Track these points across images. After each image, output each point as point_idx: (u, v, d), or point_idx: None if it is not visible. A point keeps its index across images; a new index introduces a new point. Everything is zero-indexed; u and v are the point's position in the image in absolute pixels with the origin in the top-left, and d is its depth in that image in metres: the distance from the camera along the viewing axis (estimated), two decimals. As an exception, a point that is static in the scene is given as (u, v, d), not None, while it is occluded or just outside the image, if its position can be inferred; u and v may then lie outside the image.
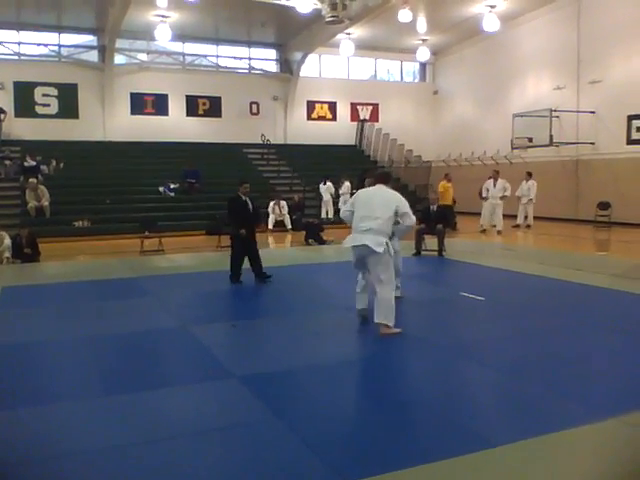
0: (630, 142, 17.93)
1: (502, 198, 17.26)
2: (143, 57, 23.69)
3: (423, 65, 27.55)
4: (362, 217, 6.15)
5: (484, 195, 17.53)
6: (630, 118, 17.84)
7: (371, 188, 6.50)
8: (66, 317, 7.31)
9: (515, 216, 18.25)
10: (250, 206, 9.45)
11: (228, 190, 18.73)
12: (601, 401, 4.35)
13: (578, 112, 19.25)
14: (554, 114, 18.96)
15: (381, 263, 6.06)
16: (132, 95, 22.85)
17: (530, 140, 19.53)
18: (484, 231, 17.16)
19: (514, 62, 22.25)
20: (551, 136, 18.79)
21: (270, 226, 17.91)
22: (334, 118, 26.39)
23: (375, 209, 6.11)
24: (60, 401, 4.55)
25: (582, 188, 19.47)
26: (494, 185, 17.37)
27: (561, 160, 19.96)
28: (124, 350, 5.96)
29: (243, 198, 9.40)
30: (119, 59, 22.97)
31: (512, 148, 20.46)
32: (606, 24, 18.33)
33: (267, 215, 18.08)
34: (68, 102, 21.86)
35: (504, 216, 17.61)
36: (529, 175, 18.33)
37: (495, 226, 17.35)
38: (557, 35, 20.35)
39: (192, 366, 5.52)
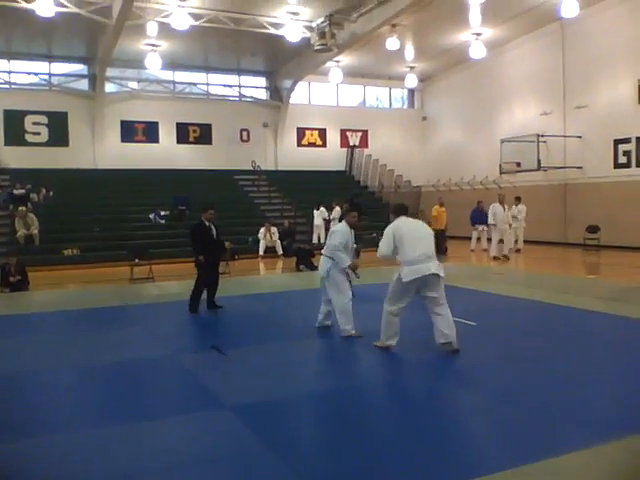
0: (617, 166, 18.17)
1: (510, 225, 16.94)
2: (134, 85, 23.84)
3: (411, 92, 27.90)
4: (414, 248, 6.19)
5: (491, 221, 16.92)
6: (616, 142, 18.09)
7: (401, 220, 6.46)
8: (55, 347, 7.22)
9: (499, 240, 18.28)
10: (214, 233, 9.19)
11: (219, 217, 18.80)
12: (594, 425, 4.32)
13: (565, 137, 19.51)
14: (541, 139, 19.20)
15: (442, 286, 6.31)
16: (122, 123, 22.97)
17: (518, 165, 19.73)
18: (506, 257, 16.32)
19: (501, 88, 22.57)
20: (539, 161, 19.00)
21: (261, 252, 17.91)
22: (324, 144, 26.59)
23: (423, 238, 6.35)
24: (47, 433, 4.47)
25: (571, 212, 19.63)
26: (504, 209, 16.90)
27: (549, 184, 20.15)
28: (113, 380, 5.88)
29: (207, 224, 9.14)
30: (110, 87, 23.09)
31: (500, 173, 20.66)
32: (591, 50, 18.68)
33: (258, 241, 18.12)
34: (58, 130, 21.93)
35: (490, 240, 17.71)
36: (518, 200, 18.42)
37: (486, 250, 17.35)
38: (543, 61, 20.70)
39: (182, 396, 5.45)
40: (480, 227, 18.69)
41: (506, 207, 17.10)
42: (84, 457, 4.06)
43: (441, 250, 15.89)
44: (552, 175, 19.86)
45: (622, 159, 18.03)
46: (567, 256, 17.58)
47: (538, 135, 19.16)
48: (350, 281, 7.23)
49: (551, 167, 19.40)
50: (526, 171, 19.55)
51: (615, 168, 18.21)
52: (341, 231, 7.23)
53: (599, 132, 18.54)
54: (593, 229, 18.31)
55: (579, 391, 5.18)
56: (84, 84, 22.85)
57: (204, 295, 9.23)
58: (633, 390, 5.17)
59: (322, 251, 7.48)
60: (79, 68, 23.07)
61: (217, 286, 9.32)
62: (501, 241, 16.86)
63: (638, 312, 8.23)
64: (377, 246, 6.55)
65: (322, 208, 19.73)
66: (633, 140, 17.60)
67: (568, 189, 19.80)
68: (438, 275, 6.22)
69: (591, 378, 5.54)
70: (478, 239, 18.80)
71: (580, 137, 19.19)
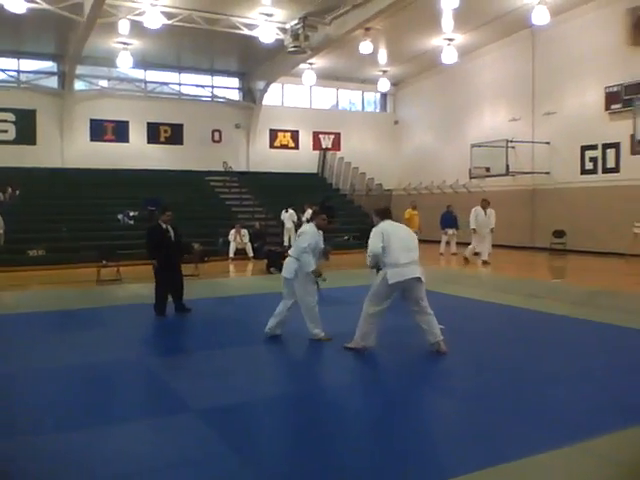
0: (584, 172, 18.52)
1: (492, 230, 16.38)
2: (104, 83, 23.54)
3: (384, 95, 28.05)
4: (400, 251, 6.29)
5: (472, 225, 16.36)
6: (583, 149, 18.45)
7: (386, 223, 6.54)
8: (18, 349, 7.07)
9: (468, 244, 18.43)
10: (171, 234, 9.06)
11: (190, 218, 18.77)
12: (562, 428, 4.38)
13: (533, 143, 19.83)
14: (510, 144, 19.48)
15: (424, 289, 6.47)
16: (92, 121, 22.64)
17: (487, 170, 19.99)
18: (485, 262, 16.02)
19: (471, 94, 22.84)
20: (507, 166, 19.28)
21: (231, 254, 17.83)
22: (297, 146, 26.58)
23: (408, 241, 6.47)
24: (9, 438, 4.37)
25: (538, 216, 19.94)
26: (485, 214, 16.33)
27: (518, 189, 20.44)
28: (78, 383, 5.79)
29: (164, 226, 9.03)
30: (79, 85, 22.76)
31: (470, 177, 20.90)
32: (560, 58, 19.03)
33: (228, 243, 18.03)
34: (26, 128, 21.50)
35: (459, 244, 17.78)
36: (487, 203, 18.48)
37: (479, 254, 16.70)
38: (513, 68, 21.01)
39: (148, 399, 5.39)
40: (450, 231, 18.88)
41: (487, 212, 16.49)
42: (45, 462, 3.99)
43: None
44: (520, 180, 20.16)
45: (589, 165, 18.39)
46: (534, 260, 17.85)
47: (507, 140, 19.44)
48: (317, 283, 7.21)
49: (519, 172, 19.69)
50: (495, 176, 19.82)
51: (582, 174, 18.57)
52: (310, 232, 7.16)
53: (567, 139, 18.89)
54: (559, 234, 18.63)
55: (547, 394, 5.24)
56: (53, 82, 22.48)
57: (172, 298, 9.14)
58: (598, 393, 5.27)
59: (289, 252, 7.37)
60: (48, 65, 22.69)
61: (182, 288, 9.18)
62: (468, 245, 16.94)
63: (603, 316, 8.41)
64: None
65: (291, 210, 19.66)
66: (599, 147, 17.97)
67: (536, 194, 20.12)
68: (420, 279, 6.35)
69: (559, 381, 5.61)
70: (447, 243, 18.98)
71: (548, 143, 19.53)
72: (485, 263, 16.08)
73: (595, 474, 3.76)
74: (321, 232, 7.28)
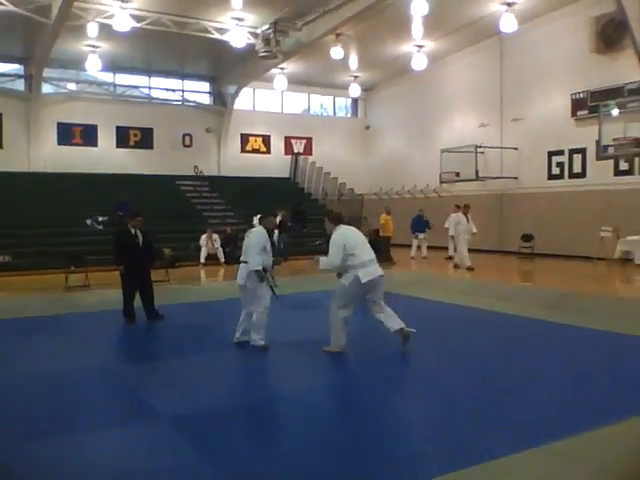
0: (551, 177, 18.87)
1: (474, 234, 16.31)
2: (72, 87, 23.20)
3: (355, 100, 28.20)
4: (361, 252, 6.52)
5: (452, 233, 16.37)
6: (550, 154, 18.80)
7: (343, 228, 6.72)
8: (-18, 358, 6.91)
9: (441, 247, 18.63)
10: (139, 240, 8.90)
11: (160, 223, 18.58)
12: (528, 430, 4.43)
13: (502, 148, 20.13)
14: (479, 150, 19.74)
15: (384, 286, 6.73)
16: (59, 125, 22.28)
17: (457, 174, 20.21)
18: (456, 266, 16.10)
19: (441, 100, 23.09)
20: (477, 171, 19.52)
21: (202, 259, 17.68)
22: (268, 151, 26.53)
23: (365, 242, 6.75)
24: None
25: (506, 221, 20.23)
26: (467, 220, 16.19)
27: (487, 194, 20.72)
28: (46, 392, 5.67)
29: (132, 231, 8.89)
30: (47, 88, 22.40)
31: (440, 182, 21.11)
32: (527, 65, 19.37)
33: (199, 248, 17.89)
34: (-9, 131, 21.08)
35: (431, 248, 17.91)
36: (457, 208, 18.41)
37: (452, 257, 16.97)
38: (481, 75, 21.31)
39: (117, 408, 5.31)
40: (421, 235, 19.04)
41: (469, 217, 16.36)
42: (15, 472, 3.90)
43: (387, 257, 16.06)
44: (489, 185, 20.44)
45: (555, 170, 18.74)
46: (503, 264, 18.08)
47: (476, 146, 19.69)
48: (272, 287, 7.18)
49: (488, 177, 19.96)
50: (465, 181, 20.06)
51: (549, 179, 18.91)
52: (258, 232, 7.22)
53: (534, 144, 19.21)
54: (527, 238, 18.91)
55: (513, 397, 5.31)
56: (20, 84, 22.07)
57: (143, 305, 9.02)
58: (565, 394, 5.37)
59: (241, 258, 7.26)
60: (15, 68, 22.28)
61: (152, 294, 9.03)
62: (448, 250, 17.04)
63: (572, 318, 8.56)
64: (318, 253, 6.64)
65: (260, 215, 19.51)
66: (566, 152, 18.33)
67: (504, 199, 20.41)
68: (383, 276, 6.66)
69: (527, 382, 5.70)
70: (418, 247, 19.13)
71: (516, 149, 19.85)
72: (458, 267, 16.20)
73: (561, 475, 3.81)
74: (275, 233, 7.39)
